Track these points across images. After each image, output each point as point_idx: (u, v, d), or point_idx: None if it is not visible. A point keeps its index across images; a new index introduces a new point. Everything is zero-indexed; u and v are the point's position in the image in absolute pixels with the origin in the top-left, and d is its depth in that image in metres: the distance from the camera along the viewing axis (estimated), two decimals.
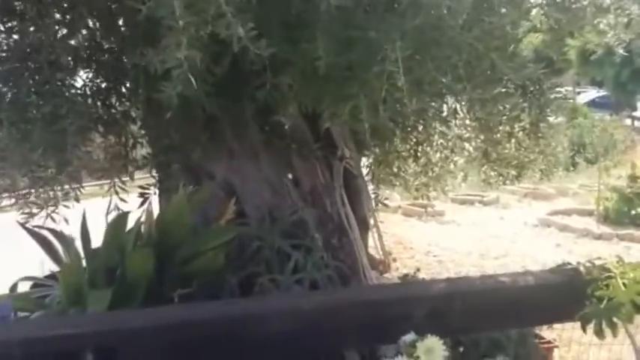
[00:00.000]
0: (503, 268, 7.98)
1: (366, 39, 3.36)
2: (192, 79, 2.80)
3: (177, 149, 4.45)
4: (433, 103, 3.75)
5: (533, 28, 4.94)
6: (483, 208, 12.27)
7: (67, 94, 4.01)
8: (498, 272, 7.84)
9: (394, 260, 7.65)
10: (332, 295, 3.47)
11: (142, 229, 3.72)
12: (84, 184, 4.86)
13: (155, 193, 4.70)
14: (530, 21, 4.61)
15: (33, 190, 4.74)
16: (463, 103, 4.74)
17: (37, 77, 3.93)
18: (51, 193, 4.94)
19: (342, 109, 3.68)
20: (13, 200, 4.96)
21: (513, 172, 6.28)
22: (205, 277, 3.42)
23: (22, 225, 4.30)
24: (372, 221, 5.91)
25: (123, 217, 3.49)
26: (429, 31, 3.40)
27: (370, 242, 6.78)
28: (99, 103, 4.54)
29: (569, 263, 3.53)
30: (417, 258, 8.50)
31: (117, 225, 3.41)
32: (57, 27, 3.94)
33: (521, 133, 5.98)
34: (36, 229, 4.17)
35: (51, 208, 4.80)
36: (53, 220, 4.50)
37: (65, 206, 4.73)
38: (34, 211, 4.73)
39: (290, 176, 4.54)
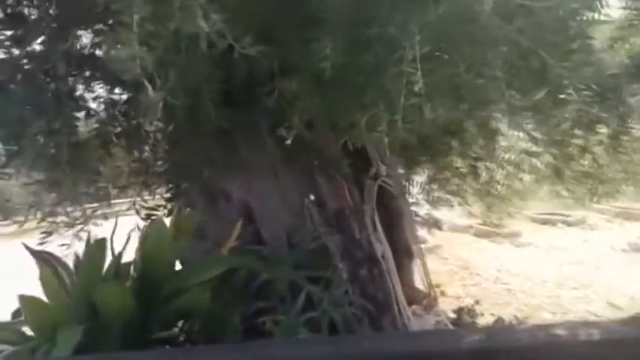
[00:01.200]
0: (582, 301, 7.03)
1: (381, 35, 2.80)
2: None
3: (187, 165, 4.01)
4: (474, 112, 3.07)
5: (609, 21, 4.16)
6: (567, 229, 11.18)
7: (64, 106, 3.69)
8: (576, 305, 6.95)
9: (442, 294, 6.88)
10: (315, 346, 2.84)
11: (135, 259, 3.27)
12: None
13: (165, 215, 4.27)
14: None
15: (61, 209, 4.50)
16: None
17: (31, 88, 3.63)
18: (79, 212, 4.68)
19: (358, 119, 3.11)
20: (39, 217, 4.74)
21: (588, 191, 5.46)
22: (194, 316, 2.92)
23: (25, 246, 3.98)
24: (418, 247, 5.23)
25: (100, 244, 3.04)
26: (458, 23, 2.79)
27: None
28: (117, 114, 4.21)
29: None
30: (483, 286, 7.66)
31: (93, 254, 2.97)
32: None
33: (598, 147, 5.16)
34: (39, 251, 3.83)
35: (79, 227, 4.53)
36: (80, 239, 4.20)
37: (95, 224, 4.43)
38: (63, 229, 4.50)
39: (312, 197, 3.98)
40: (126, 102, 3.97)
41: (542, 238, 10.35)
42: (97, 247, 2.99)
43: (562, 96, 2.88)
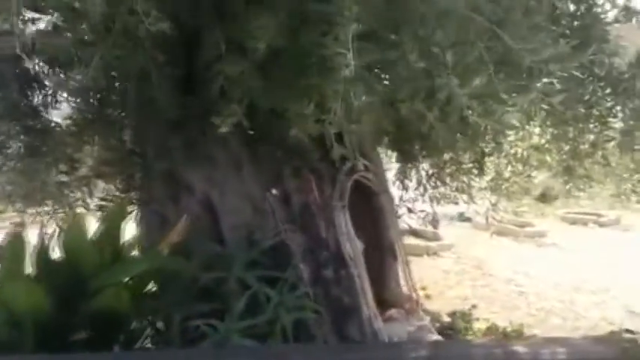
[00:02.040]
0: (598, 306, 6.55)
1: (319, 12, 2.51)
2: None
3: (141, 155, 3.79)
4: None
5: None
6: (597, 230, 10.58)
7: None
8: (590, 311, 6.47)
9: (427, 297, 6.50)
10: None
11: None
12: None
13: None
14: None
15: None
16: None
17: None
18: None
19: (302, 108, 2.83)
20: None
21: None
22: (112, 319, 2.69)
23: None
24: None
25: (17, 239, 2.82)
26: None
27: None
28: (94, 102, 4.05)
29: (630, 331, 2.50)
30: (494, 287, 7.25)
31: (12, 248, 2.76)
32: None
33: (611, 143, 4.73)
34: None
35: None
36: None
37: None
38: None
39: (275, 191, 3.70)
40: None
41: (569, 238, 9.80)
42: (15, 242, 2.79)
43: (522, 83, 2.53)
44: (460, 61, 2.35)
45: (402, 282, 4.43)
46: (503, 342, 3.21)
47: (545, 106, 3.88)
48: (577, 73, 2.55)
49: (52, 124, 4.26)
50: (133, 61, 3.01)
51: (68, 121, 4.26)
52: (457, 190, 5.94)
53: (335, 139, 3.67)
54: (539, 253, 9.01)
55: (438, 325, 5.12)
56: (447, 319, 5.18)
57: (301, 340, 3.51)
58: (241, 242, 3.62)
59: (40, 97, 4.15)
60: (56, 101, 4.16)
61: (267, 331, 3.23)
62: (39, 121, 4.15)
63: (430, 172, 5.46)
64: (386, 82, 2.72)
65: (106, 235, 2.94)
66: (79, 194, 4.27)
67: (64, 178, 4.11)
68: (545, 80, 2.58)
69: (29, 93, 4.05)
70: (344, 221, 3.81)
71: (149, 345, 3.25)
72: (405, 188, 5.52)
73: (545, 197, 11.90)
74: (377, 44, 2.41)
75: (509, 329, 4.83)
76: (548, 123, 5.00)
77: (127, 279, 2.73)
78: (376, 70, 2.74)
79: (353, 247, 3.81)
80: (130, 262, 2.87)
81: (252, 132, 3.77)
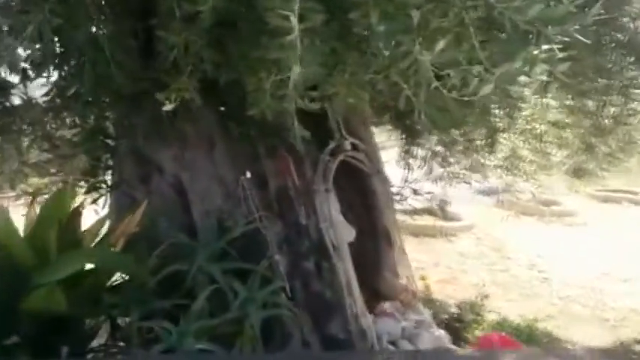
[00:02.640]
0: (628, 295, 6.07)
1: None
2: None
3: (104, 133, 3.47)
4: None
5: None
6: (632, 209, 9.97)
7: None
8: (618, 301, 5.98)
9: (439, 283, 6.10)
10: None
11: None
12: None
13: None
14: None
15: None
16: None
17: None
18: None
19: (259, 82, 2.45)
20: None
21: None
22: (46, 321, 2.39)
23: None
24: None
25: None
26: None
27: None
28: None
29: None
30: (514, 272, 6.80)
31: None
32: None
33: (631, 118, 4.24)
34: None
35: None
36: None
37: None
38: None
39: (249, 174, 3.34)
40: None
41: (601, 218, 9.25)
42: None
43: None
44: (429, 23, 1.94)
45: (399, 271, 4.05)
46: (494, 353, 2.82)
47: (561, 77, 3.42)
48: (583, 38, 2.09)
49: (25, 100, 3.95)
50: (77, 32, 2.67)
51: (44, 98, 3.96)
52: (469, 169, 5.52)
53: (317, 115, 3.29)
54: (567, 234, 8.50)
55: (445, 316, 4.73)
56: (453, 310, 4.78)
57: (276, 340, 3.18)
58: (212, 230, 3.28)
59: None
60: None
61: (233, 331, 2.91)
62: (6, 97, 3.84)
63: (436, 150, 5.02)
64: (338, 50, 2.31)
65: (42, 228, 2.63)
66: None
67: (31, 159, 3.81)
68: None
69: None
70: (327, 207, 3.43)
71: (109, 343, 2.96)
72: (410, 168, 5.10)
73: (579, 172, 11.25)
74: (329, 5, 2.01)
75: (521, 324, 4.41)
76: (564, 96, 4.53)
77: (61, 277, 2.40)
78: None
79: (337, 235, 3.44)
80: (65, 259, 2.55)
81: (222, 108, 3.44)
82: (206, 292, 2.81)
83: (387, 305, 3.85)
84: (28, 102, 3.77)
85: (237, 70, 2.53)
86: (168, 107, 2.44)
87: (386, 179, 4.13)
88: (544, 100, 4.72)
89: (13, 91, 3.87)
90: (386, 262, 4.08)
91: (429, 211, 7.81)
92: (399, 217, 8.14)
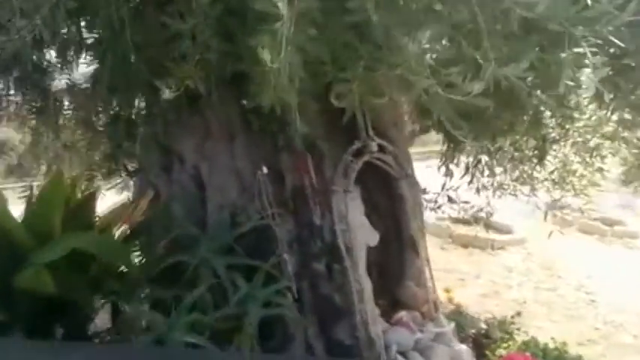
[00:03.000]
0: None
1: None
2: None
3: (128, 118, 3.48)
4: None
5: None
6: None
7: None
8: None
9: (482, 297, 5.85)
10: None
11: None
12: None
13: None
14: None
15: None
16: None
17: None
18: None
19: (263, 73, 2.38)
20: None
21: None
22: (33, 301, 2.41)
23: None
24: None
25: None
26: None
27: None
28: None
29: None
30: (561, 292, 6.45)
31: None
32: None
33: None
34: None
35: None
36: None
37: None
38: None
39: (265, 169, 3.26)
40: None
41: None
42: None
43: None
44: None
45: (423, 281, 3.87)
46: None
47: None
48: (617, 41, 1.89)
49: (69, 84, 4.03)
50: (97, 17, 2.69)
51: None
52: (517, 180, 5.25)
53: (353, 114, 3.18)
54: (626, 256, 7.99)
55: (473, 331, 4.53)
56: (483, 325, 4.56)
57: (277, 340, 3.10)
58: (223, 224, 3.24)
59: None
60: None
61: (232, 327, 2.85)
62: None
63: (478, 158, 4.79)
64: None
65: (40, 210, 2.65)
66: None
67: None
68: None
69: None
70: (345, 208, 3.32)
71: (107, 329, 2.97)
72: (450, 175, 4.89)
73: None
74: None
75: (550, 345, 4.14)
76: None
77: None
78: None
79: (354, 239, 3.32)
80: (59, 242, 2.56)
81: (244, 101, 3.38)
82: (202, 286, 2.76)
83: (403, 314, 3.69)
84: (72, 86, 3.86)
85: (243, 61, 2.46)
86: (167, 95, 2.39)
87: (416, 184, 3.97)
88: (600, 111, 4.43)
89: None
90: (409, 271, 3.92)
91: (479, 222, 7.54)
92: (450, 225, 7.96)
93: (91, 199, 3.11)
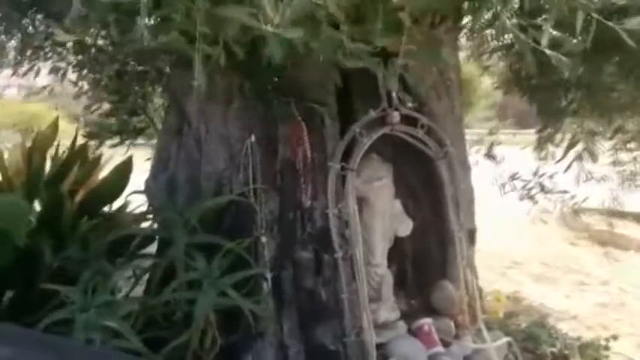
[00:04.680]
0: None
1: None
2: None
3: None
4: None
5: None
6: None
7: None
8: None
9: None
10: None
11: None
12: None
13: None
14: None
15: None
16: None
17: None
18: None
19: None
20: None
21: None
22: None
23: None
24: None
25: None
26: None
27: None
28: None
29: None
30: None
31: None
32: None
33: None
34: None
35: None
36: None
37: None
38: None
39: (253, 138, 2.83)
40: None
41: None
42: None
43: None
44: None
45: (462, 286, 3.18)
46: None
47: None
48: None
49: None
50: None
51: None
52: None
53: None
54: None
55: (553, 349, 3.72)
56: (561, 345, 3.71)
57: (239, 335, 2.69)
58: (204, 195, 2.89)
59: None
60: None
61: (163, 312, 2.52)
62: None
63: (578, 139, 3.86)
64: None
65: None
66: None
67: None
68: None
69: None
70: (347, 190, 2.78)
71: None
72: (544, 158, 4.03)
73: None
74: None
75: None
76: None
77: None
78: None
79: (353, 223, 2.77)
80: None
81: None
82: (127, 265, 2.44)
83: (426, 322, 3.07)
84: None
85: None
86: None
87: (463, 168, 3.25)
88: None
89: None
90: (449, 270, 3.25)
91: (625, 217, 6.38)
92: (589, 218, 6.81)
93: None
